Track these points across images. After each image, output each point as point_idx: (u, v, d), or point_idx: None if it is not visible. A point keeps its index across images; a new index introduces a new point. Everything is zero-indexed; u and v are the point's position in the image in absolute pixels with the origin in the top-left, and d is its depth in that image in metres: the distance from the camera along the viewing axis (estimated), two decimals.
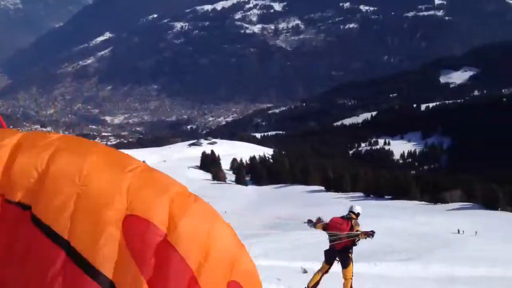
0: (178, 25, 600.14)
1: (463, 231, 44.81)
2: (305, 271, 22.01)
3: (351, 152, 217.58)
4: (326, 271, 8.51)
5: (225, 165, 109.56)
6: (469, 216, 55.80)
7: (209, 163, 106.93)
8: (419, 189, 73.94)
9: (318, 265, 25.30)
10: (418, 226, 47.18)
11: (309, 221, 8.56)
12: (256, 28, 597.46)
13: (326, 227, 8.21)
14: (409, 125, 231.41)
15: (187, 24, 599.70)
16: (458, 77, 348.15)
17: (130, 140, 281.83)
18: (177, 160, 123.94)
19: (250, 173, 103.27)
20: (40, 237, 0.99)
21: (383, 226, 46.39)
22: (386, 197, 74.75)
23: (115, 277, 1.01)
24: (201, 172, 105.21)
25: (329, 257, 8.36)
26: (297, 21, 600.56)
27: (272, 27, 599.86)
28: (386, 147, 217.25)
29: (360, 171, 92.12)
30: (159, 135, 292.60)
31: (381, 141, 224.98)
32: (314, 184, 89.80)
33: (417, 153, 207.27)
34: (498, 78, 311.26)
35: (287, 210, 63.41)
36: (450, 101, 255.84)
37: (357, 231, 7.87)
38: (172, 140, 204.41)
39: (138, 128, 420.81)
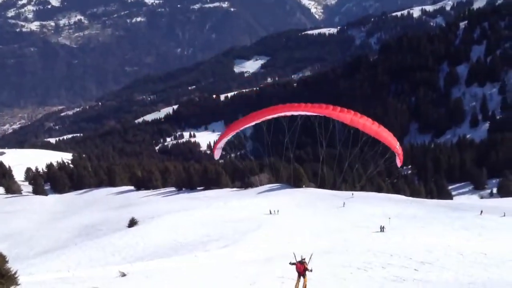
0: None
1: (275, 211, 47.09)
2: (123, 275, 20.33)
3: (157, 148, 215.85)
4: (298, 281, 14.47)
5: (19, 176, 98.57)
6: (278, 197, 59.12)
7: None
8: (229, 177, 75.96)
9: (137, 267, 23.71)
10: (232, 212, 48.19)
11: (291, 263, 14.54)
12: (34, 26, 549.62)
13: (295, 266, 14.47)
14: (212, 115, 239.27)
15: None
16: (250, 66, 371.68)
17: None
18: None
19: (49, 181, 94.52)
20: None
21: (198, 217, 46.29)
22: (198, 188, 75.10)
23: None
24: None
25: (298, 275, 14.48)
26: (79, 16, 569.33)
27: (52, 23, 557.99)
28: (192, 139, 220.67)
29: (169, 165, 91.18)
30: None
31: (186, 134, 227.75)
32: (122, 184, 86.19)
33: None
34: (286, 65, 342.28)
35: (97, 215, 59.40)
36: (247, 90, 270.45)
37: (306, 268, 14.32)
38: None
39: None
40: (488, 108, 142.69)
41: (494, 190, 79.81)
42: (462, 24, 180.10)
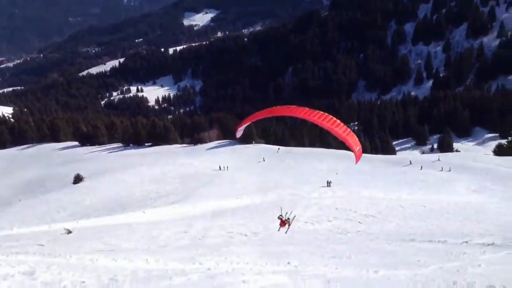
0: None
1: (225, 167, 47.21)
2: (69, 232, 19.95)
3: (102, 102, 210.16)
4: (281, 227, 16.35)
5: None
6: (227, 153, 59.21)
7: None
8: (178, 133, 74.99)
9: (83, 224, 23.45)
10: (181, 168, 47.87)
11: (279, 217, 16.30)
12: None
13: (280, 220, 16.29)
14: (160, 70, 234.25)
15: None
16: (200, 19, 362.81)
17: None
18: None
19: None
20: None
21: (146, 174, 45.81)
22: (146, 144, 73.94)
23: None
24: None
25: (282, 224, 16.22)
26: None
27: None
28: (140, 94, 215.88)
29: (116, 120, 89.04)
30: None
31: (133, 88, 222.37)
32: (66, 140, 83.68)
33: (172, 97, 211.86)
34: (237, 19, 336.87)
35: (41, 172, 57.66)
36: (197, 43, 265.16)
37: (288, 223, 16.15)
38: None
39: None
40: (433, 65, 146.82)
41: (435, 146, 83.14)
42: None
